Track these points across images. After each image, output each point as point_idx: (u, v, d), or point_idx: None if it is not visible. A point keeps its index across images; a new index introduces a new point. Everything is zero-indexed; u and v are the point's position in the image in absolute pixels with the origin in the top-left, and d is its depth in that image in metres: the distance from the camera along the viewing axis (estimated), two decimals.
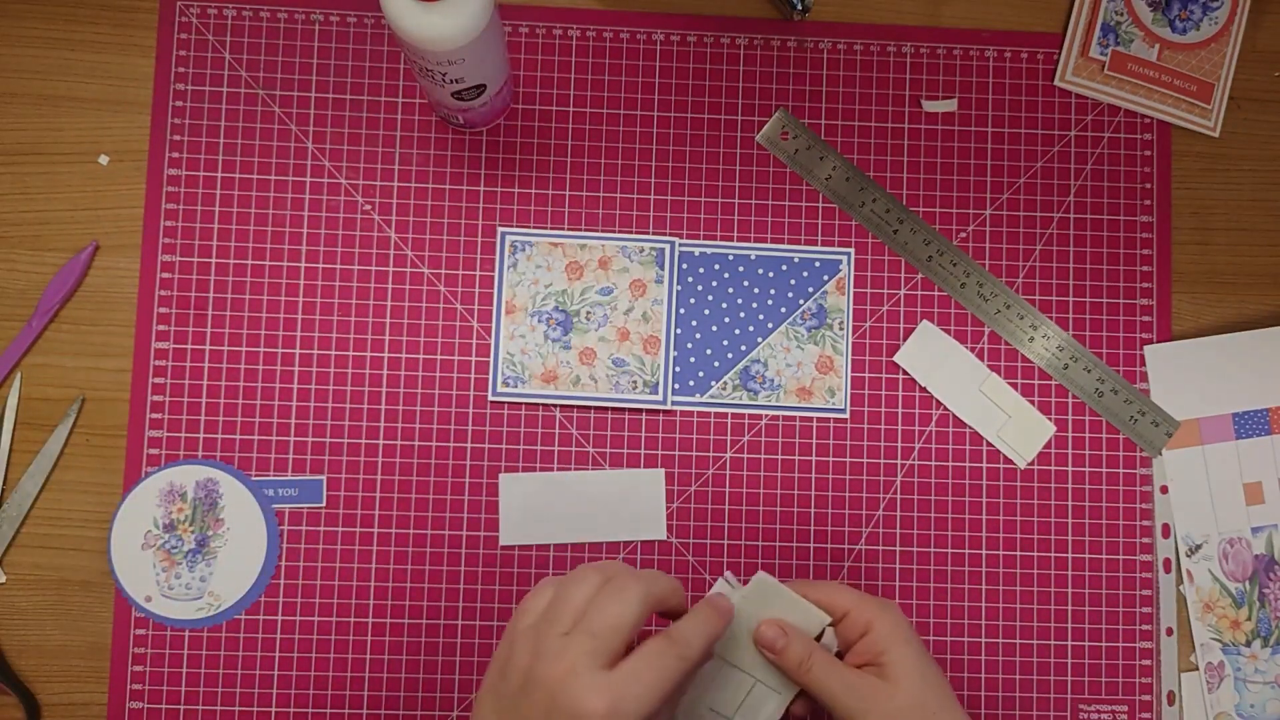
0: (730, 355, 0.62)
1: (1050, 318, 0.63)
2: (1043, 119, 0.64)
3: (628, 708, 0.44)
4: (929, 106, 0.64)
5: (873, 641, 0.51)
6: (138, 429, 0.60)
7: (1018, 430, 0.62)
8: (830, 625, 0.52)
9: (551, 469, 0.61)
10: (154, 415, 0.61)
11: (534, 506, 0.61)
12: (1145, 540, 0.63)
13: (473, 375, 0.62)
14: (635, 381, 0.62)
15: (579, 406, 0.62)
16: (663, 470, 0.62)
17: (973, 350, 0.63)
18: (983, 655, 0.62)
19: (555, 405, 0.62)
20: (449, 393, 0.62)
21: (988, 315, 0.63)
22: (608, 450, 0.62)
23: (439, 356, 0.62)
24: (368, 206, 0.62)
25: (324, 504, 0.61)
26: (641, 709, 0.44)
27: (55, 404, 0.61)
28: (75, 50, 0.62)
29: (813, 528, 0.62)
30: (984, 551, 0.62)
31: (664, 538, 0.61)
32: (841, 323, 0.63)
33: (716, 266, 0.63)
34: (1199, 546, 0.63)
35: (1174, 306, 0.64)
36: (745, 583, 0.52)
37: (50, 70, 0.62)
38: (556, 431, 0.62)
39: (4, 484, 0.60)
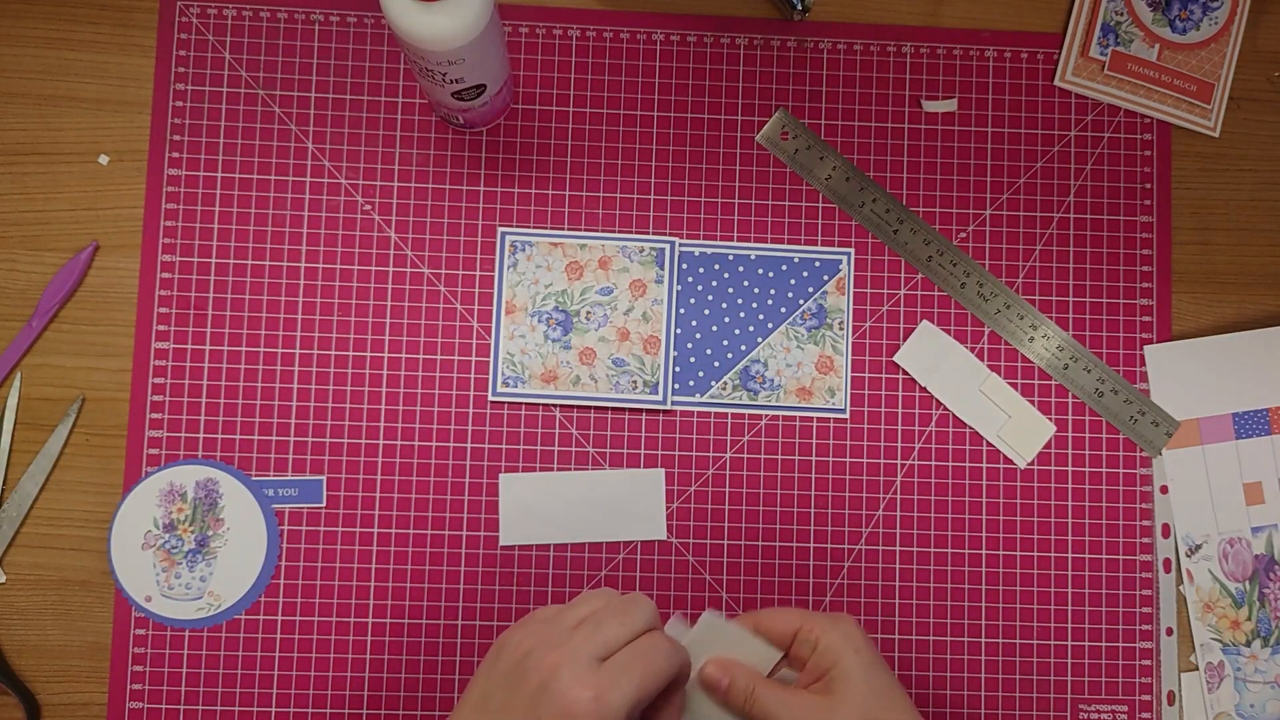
0: (730, 355, 0.62)
1: (1050, 318, 0.63)
2: (1043, 119, 0.64)
3: (614, 698, 0.44)
4: (929, 106, 0.64)
5: (821, 656, 0.50)
6: (138, 429, 0.60)
7: (1018, 430, 0.62)
8: (784, 659, 0.51)
9: (551, 469, 0.61)
10: (154, 415, 0.61)
11: (534, 506, 0.61)
12: (1145, 540, 0.63)
13: (473, 375, 0.62)
14: (635, 381, 0.62)
15: (579, 406, 0.62)
16: (663, 470, 0.62)
17: (973, 350, 0.63)
18: (983, 655, 0.62)
19: (555, 405, 0.62)
20: (449, 393, 0.62)
21: (988, 315, 0.63)
22: (608, 450, 0.62)
23: (439, 356, 0.62)
24: (368, 206, 0.62)
25: (324, 504, 0.61)
26: (627, 701, 0.44)
27: (55, 404, 0.61)
28: (75, 50, 0.62)
29: (813, 528, 0.62)
30: (984, 551, 0.62)
31: (664, 538, 0.61)
32: (841, 323, 0.63)
33: (716, 266, 0.63)
34: (1199, 546, 0.63)
35: (1174, 306, 0.64)
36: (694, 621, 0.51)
37: (50, 70, 0.62)
38: (556, 431, 0.62)
39: (4, 484, 0.60)
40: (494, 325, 0.62)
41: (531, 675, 0.45)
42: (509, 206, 0.63)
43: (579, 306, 0.62)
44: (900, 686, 0.51)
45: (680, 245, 0.63)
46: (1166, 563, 0.63)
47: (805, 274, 0.63)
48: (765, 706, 0.49)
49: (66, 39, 0.62)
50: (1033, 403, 0.63)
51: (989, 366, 0.63)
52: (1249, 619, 0.62)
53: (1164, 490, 0.63)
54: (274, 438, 0.61)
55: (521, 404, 0.62)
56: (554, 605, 0.49)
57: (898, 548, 0.62)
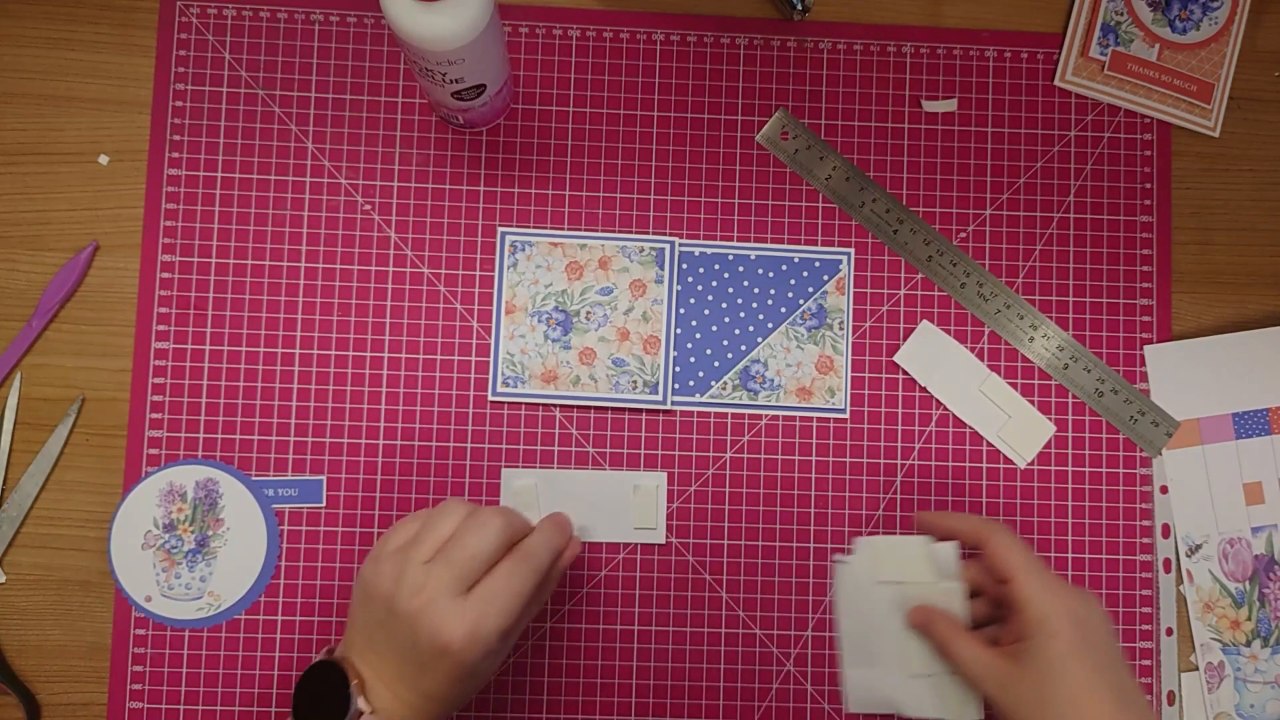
0: (730, 355, 0.62)
1: (1050, 318, 0.63)
2: (1043, 119, 0.64)
3: (486, 627, 0.47)
4: (929, 106, 0.64)
5: (1023, 623, 0.51)
6: (138, 429, 0.60)
7: (1018, 430, 0.62)
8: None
9: (551, 469, 0.61)
10: (154, 415, 0.61)
11: (536, 504, 0.61)
12: (1145, 540, 0.63)
13: (473, 375, 0.62)
14: (635, 381, 0.62)
15: (579, 406, 0.62)
16: (664, 473, 0.62)
17: (973, 350, 0.63)
18: None
19: (555, 405, 0.62)
20: (449, 393, 0.62)
21: (988, 315, 0.63)
22: (608, 450, 0.62)
23: (439, 356, 0.62)
24: (368, 206, 0.62)
25: (324, 504, 0.61)
26: (500, 626, 0.48)
27: (55, 404, 0.61)
28: (75, 50, 0.62)
29: (813, 528, 0.62)
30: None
31: (663, 541, 0.61)
32: (841, 323, 0.63)
33: (716, 266, 0.63)
34: (1199, 546, 0.63)
35: (1174, 306, 0.64)
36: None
37: (50, 70, 0.62)
38: (556, 431, 0.62)
39: (4, 484, 0.60)
40: (494, 325, 0.62)
41: (401, 619, 0.48)
42: (509, 206, 0.63)
43: (579, 306, 0.62)
44: (1106, 675, 0.50)
45: (680, 245, 0.63)
46: (1166, 563, 0.63)
47: (805, 274, 0.63)
48: (957, 655, 0.53)
49: (66, 39, 0.62)
50: (1033, 403, 0.63)
51: (989, 366, 0.63)
52: (1249, 619, 0.62)
53: (1164, 490, 0.63)
54: (274, 438, 0.61)
55: (521, 404, 0.62)
56: (403, 528, 0.51)
57: None
